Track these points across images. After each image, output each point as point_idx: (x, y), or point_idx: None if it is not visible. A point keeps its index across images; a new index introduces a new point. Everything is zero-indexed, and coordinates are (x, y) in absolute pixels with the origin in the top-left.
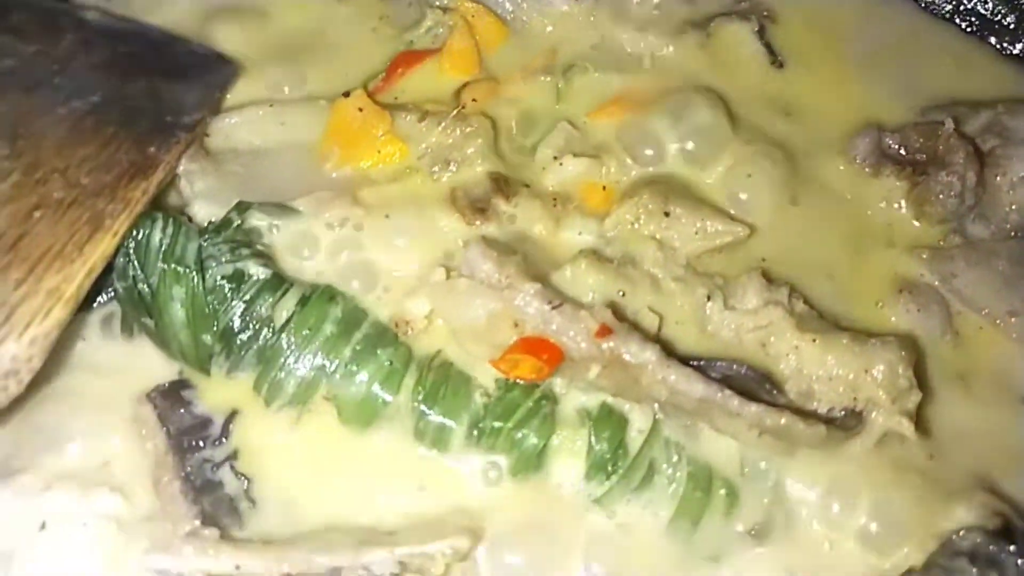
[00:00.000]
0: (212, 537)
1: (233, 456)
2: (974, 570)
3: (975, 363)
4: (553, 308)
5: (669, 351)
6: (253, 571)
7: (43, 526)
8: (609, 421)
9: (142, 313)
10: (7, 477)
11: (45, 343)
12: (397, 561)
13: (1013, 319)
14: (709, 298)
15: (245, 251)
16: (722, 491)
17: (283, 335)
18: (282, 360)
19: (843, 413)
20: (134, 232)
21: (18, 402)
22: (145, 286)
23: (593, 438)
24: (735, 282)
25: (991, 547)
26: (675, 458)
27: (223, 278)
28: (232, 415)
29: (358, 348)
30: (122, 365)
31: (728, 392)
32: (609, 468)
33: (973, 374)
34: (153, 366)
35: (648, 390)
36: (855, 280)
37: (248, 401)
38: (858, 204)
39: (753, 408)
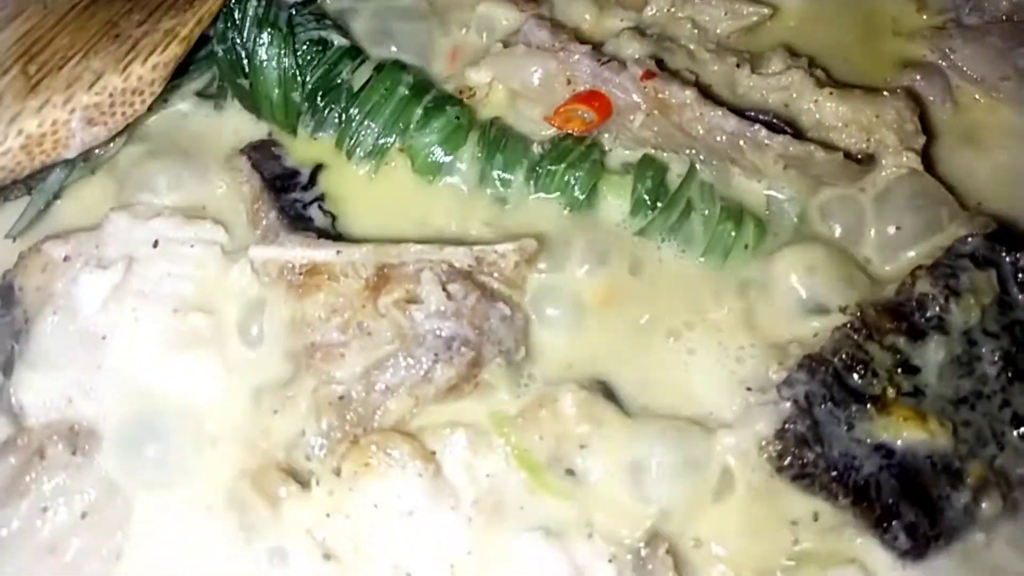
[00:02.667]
0: (312, 235)
1: (320, 198)
2: (974, 267)
3: (971, 122)
4: (602, 64)
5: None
6: (352, 258)
7: (156, 244)
8: (651, 166)
9: (238, 75)
10: (124, 205)
11: (164, 72)
12: (474, 256)
13: (1004, 82)
14: (739, 65)
15: (328, 22)
16: (751, 224)
17: (362, 96)
18: (361, 118)
19: (858, 156)
20: (233, 1)
21: (131, 141)
22: (242, 49)
23: (636, 180)
24: (762, 55)
25: (989, 249)
26: (709, 197)
27: (309, 42)
28: (318, 167)
29: (429, 106)
30: (218, 128)
31: (758, 125)
32: (650, 204)
33: (969, 130)
34: (245, 129)
35: (686, 128)
36: (866, 61)
37: (331, 157)
38: (868, 1)
39: (779, 138)
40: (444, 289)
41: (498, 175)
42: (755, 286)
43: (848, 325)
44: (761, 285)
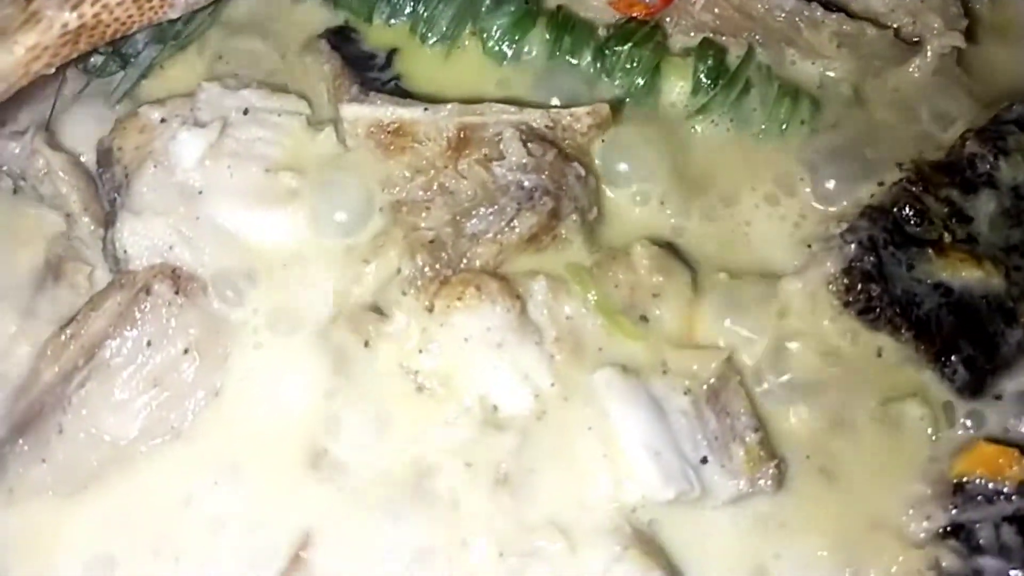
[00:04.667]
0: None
1: (397, 78)
2: (1019, 130)
3: (1006, 18)
4: None
5: None
6: (438, 115)
7: (245, 111)
8: (711, 47)
9: None
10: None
11: None
12: (550, 118)
13: None
14: None
15: None
16: (807, 102)
17: None
18: (434, 4)
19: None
20: None
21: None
22: None
23: (697, 61)
24: None
25: None
26: (767, 77)
27: None
28: (393, 51)
29: None
30: (298, 15)
31: (815, 3)
32: (710, 84)
33: (1005, 25)
34: (322, 16)
35: (746, 8)
36: None
37: (406, 42)
38: None
39: (835, 15)
40: (524, 146)
41: (567, 57)
42: (811, 158)
43: (905, 179)
44: (817, 157)
